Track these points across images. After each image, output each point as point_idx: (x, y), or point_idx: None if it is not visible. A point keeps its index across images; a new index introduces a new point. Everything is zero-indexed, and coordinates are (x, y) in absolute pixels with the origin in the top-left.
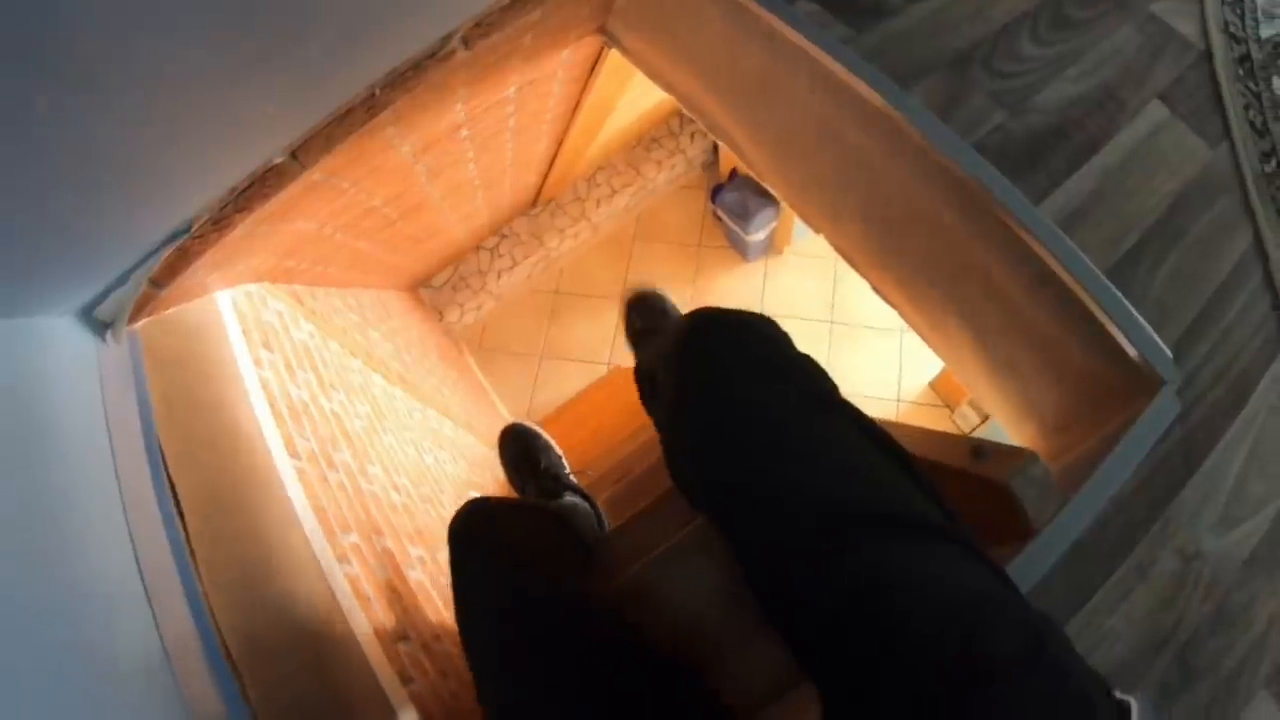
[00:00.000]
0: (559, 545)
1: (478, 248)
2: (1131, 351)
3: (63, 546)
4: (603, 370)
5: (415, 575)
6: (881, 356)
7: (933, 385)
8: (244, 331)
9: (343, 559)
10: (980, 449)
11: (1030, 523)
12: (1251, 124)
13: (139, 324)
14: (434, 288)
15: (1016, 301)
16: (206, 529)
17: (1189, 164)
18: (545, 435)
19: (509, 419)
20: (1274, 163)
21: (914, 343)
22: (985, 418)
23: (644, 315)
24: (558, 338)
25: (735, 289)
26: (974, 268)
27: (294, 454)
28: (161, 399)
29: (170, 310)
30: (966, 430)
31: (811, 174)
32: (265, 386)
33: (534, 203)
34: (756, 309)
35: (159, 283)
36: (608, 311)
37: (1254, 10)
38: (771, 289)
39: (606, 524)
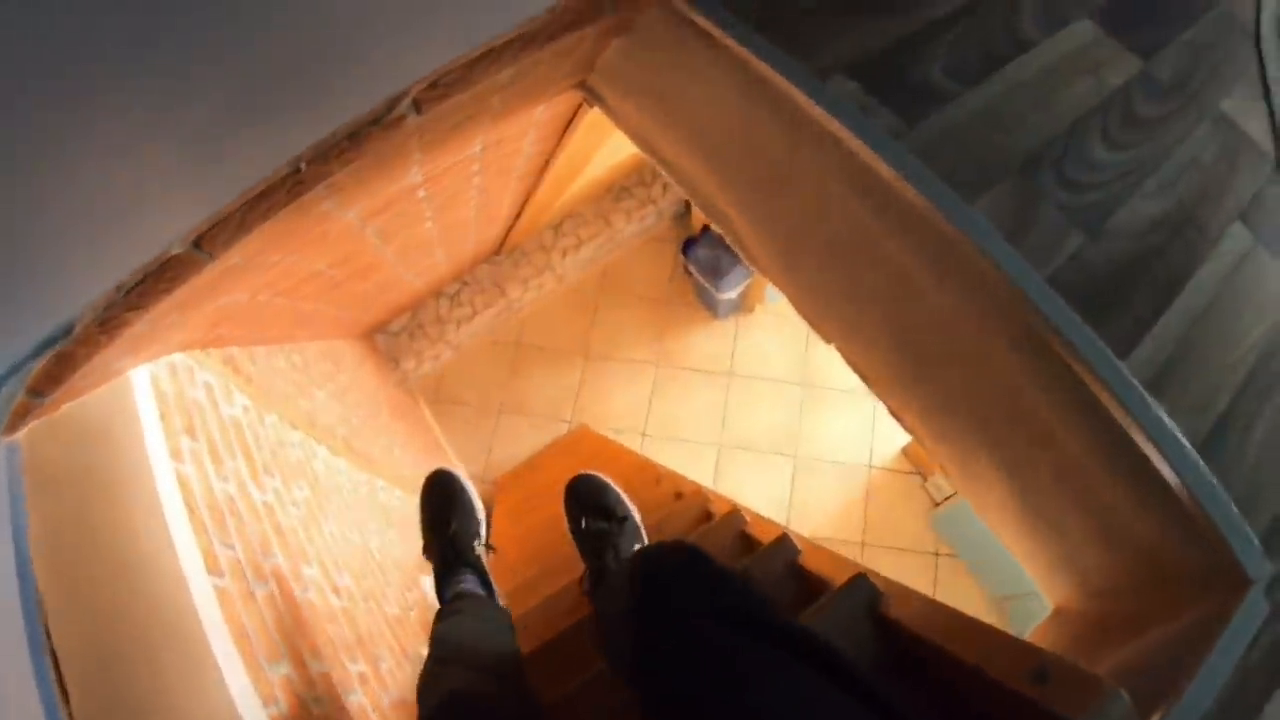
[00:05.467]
0: None
1: (438, 294)
2: (1218, 539)
3: None
4: (563, 428)
5: (356, 699)
6: (853, 420)
7: (905, 451)
8: (162, 415)
9: (270, 700)
10: (1043, 672)
11: None
12: None
13: (18, 434)
14: (390, 334)
15: (1075, 460)
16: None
17: (1274, 303)
18: (470, 491)
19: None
20: None
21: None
22: None
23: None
24: (517, 392)
25: (704, 347)
26: (1028, 416)
27: (214, 570)
28: (45, 528)
29: (65, 407)
30: (939, 500)
31: (829, 280)
32: (184, 485)
33: (498, 250)
34: (726, 368)
35: (39, 391)
36: (570, 366)
37: None
38: (742, 349)
39: (496, 594)
